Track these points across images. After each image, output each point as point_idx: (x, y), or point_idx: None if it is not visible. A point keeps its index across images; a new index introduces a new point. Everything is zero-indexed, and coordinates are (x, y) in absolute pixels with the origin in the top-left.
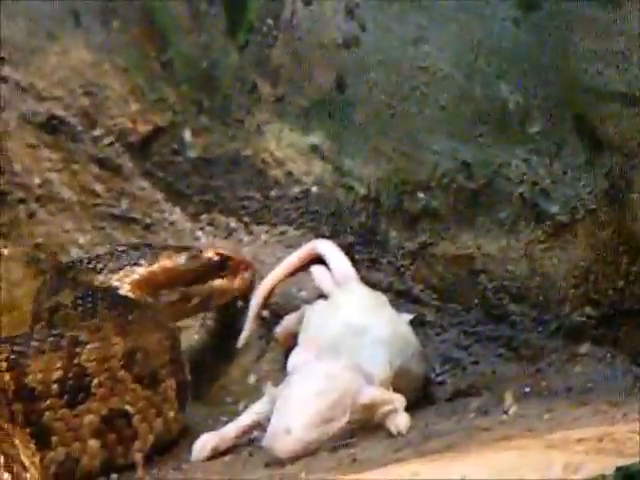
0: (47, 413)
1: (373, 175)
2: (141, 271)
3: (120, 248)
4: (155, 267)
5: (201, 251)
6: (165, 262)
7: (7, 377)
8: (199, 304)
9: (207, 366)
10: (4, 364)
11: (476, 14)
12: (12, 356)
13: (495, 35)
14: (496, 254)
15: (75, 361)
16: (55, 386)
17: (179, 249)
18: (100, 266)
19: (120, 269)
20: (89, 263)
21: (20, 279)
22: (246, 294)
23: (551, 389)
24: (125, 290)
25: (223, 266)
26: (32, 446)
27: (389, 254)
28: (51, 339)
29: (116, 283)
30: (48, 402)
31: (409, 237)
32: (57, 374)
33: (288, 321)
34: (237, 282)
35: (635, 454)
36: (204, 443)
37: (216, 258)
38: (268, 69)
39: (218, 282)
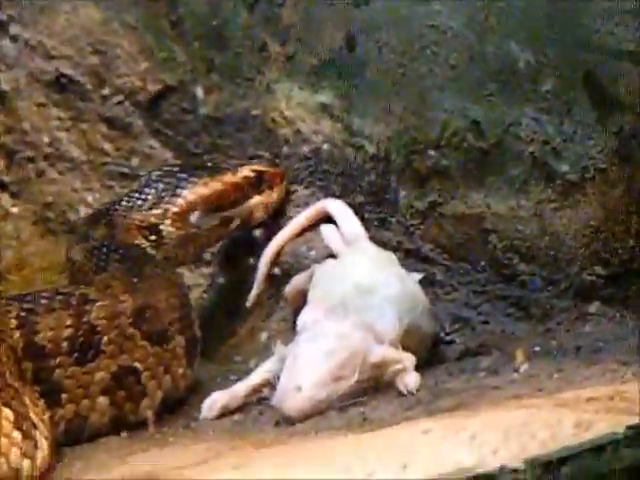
0: (57, 371)
1: (383, 134)
2: (179, 203)
3: (155, 177)
4: (192, 197)
5: (237, 170)
6: (202, 190)
7: (17, 335)
8: (240, 224)
9: (217, 324)
10: (13, 322)
11: None
12: (22, 314)
13: None
14: (506, 213)
15: (85, 319)
16: (65, 344)
17: (215, 172)
18: (138, 203)
19: (158, 204)
20: (126, 201)
21: (29, 238)
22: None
23: (561, 348)
24: (166, 225)
25: (260, 182)
26: (41, 404)
27: (399, 213)
28: (60, 297)
29: (155, 220)
30: (58, 360)
31: (419, 196)
32: (67, 332)
33: (297, 280)
34: (275, 195)
35: None
36: (214, 401)
37: (252, 175)
38: (278, 28)
39: (257, 199)
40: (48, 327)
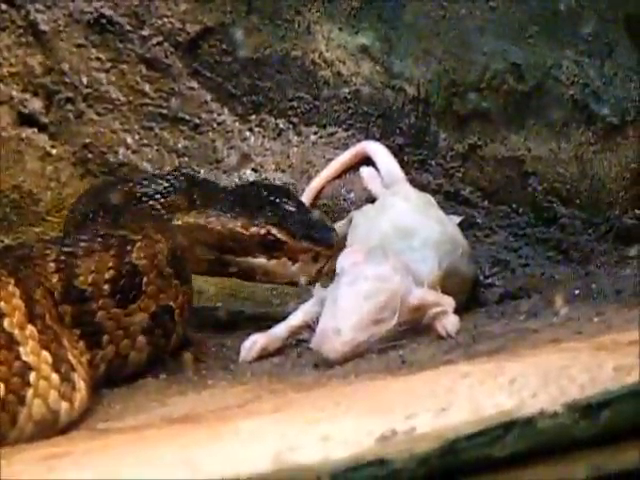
0: (99, 313)
1: (423, 76)
2: (180, 218)
3: (169, 184)
4: (191, 220)
5: (252, 224)
6: (201, 219)
7: (55, 279)
8: (240, 274)
9: None
10: (52, 265)
11: None
12: (61, 257)
13: None
14: (546, 156)
15: (126, 260)
16: (106, 286)
17: (233, 214)
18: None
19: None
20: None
21: (68, 179)
22: (315, 281)
23: (601, 292)
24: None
25: (273, 247)
26: (80, 346)
27: (438, 156)
28: (100, 239)
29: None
30: (100, 302)
31: (458, 139)
32: (108, 274)
33: (337, 228)
34: (294, 268)
35: None
36: (253, 343)
37: (262, 234)
38: None
39: (261, 261)
40: (89, 270)
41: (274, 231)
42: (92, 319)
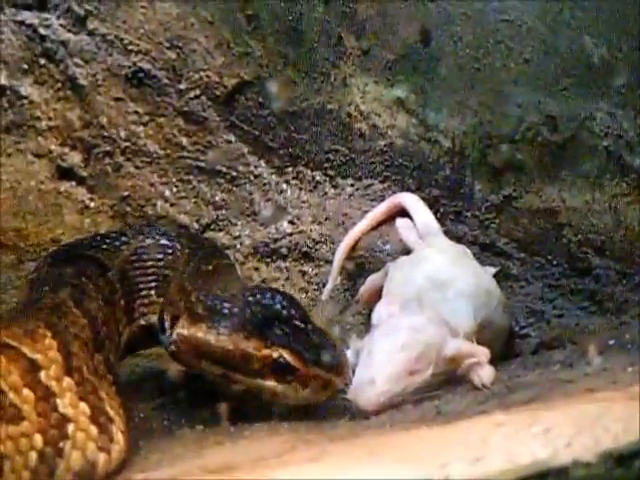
0: None
1: (458, 128)
2: (187, 333)
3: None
4: (200, 335)
5: (264, 345)
6: (211, 337)
7: (88, 329)
8: (248, 392)
9: None
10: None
11: None
12: None
13: None
14: (580, 207)
15: None
16: None
17: (245, 333)
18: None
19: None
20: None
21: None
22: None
23: (635, 342)
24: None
25: (283, 370)
26: (117, 397)
27: (474, 207)
28: None
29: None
30: None
31: (493, 190)
32: None
33: (372, 279)
34: (304, 393)
35: None
36: None
37: (274, 358)
38: (353, 22)
39: (271, 384)
40: None
41: (286, 356)
42: None
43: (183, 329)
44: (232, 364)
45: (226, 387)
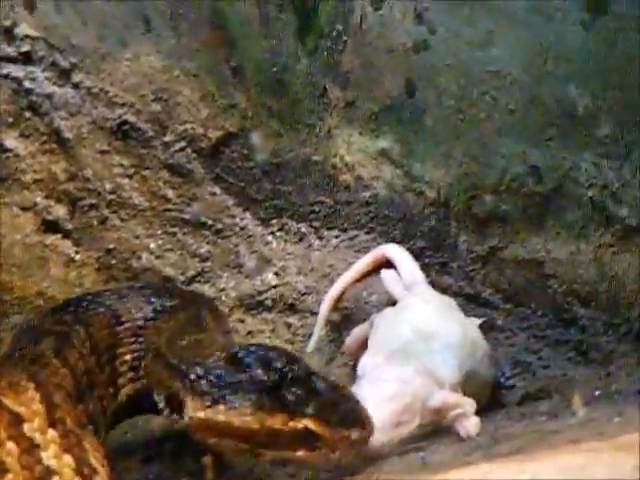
0: None
1: (443, 179)
2: (202, 413)
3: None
4: (220, 418)
5: (291, 419)
6: (235, 418)
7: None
8: (277, 462)
9: None
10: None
11: (545, 17)
12: None
13: (564, 39)
14: (565, 258)
15: None
16: None
17: (268, 408)
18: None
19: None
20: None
21: (92, 285)
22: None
23: (621, 392)
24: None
25: (311, 439)
26: (101, 448)
27: (459, 258)
28: None
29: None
30: None
31: (479, 241)
32: None
33: (358, 331)
34: (333, 457)
35: None
36: None
37: (299, 428)
38: (338, 74)
39: (300, 454)
40: None
41: (311, 426)
42: None
43: (196, 412)
44: (258, 441)
45: (250, 459)
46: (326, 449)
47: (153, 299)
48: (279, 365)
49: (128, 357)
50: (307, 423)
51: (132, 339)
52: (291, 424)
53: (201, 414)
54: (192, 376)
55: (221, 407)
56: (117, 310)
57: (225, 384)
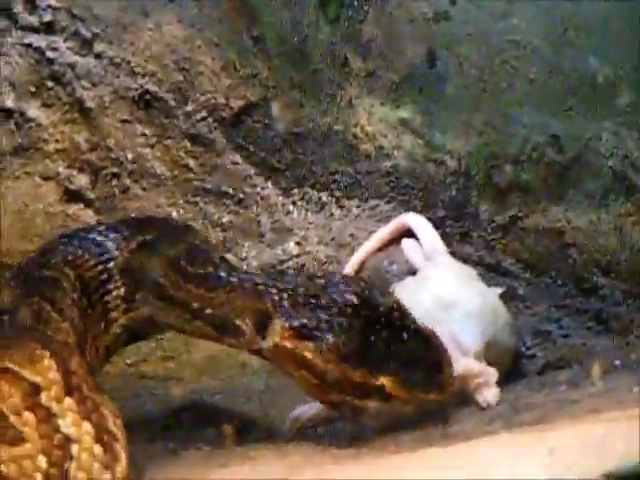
0: None
1: (463, 149)
2: (288, 343)
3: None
4: (308, 355)
5: (372, 376)
6: (318, 360)
7: None
8: (346, 406)
9: None
10: None
11: None
12: None
13: (584, 8)
14: (586, 227)
15: None
16: None
17: (352, 362)
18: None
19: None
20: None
21: None
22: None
23: None
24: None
25: (386, 394)
26: (119, 415)
27: (479, 228)
28: None
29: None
30: None
31: (499, 210)
32: None
33: None
34: (407, 409)
35: None
36: (300, 414)
37: (377, 385)
38: (359, 44)
39: (372, 404)
40: None
41: (389, 385)
42: None
43: (284, 340)
44: (333, 384)
45: (317, 396)
46: (399, 403)
47: (137, 231)
48: (372, 310)
49: (122, 291)
50: (384, 381)
51: (123, 272)
52: (370, 380)
53: (287, 344)
54: (285, 303)
55: (310, 345)
56: (104, 245)
57: (317, 322)
